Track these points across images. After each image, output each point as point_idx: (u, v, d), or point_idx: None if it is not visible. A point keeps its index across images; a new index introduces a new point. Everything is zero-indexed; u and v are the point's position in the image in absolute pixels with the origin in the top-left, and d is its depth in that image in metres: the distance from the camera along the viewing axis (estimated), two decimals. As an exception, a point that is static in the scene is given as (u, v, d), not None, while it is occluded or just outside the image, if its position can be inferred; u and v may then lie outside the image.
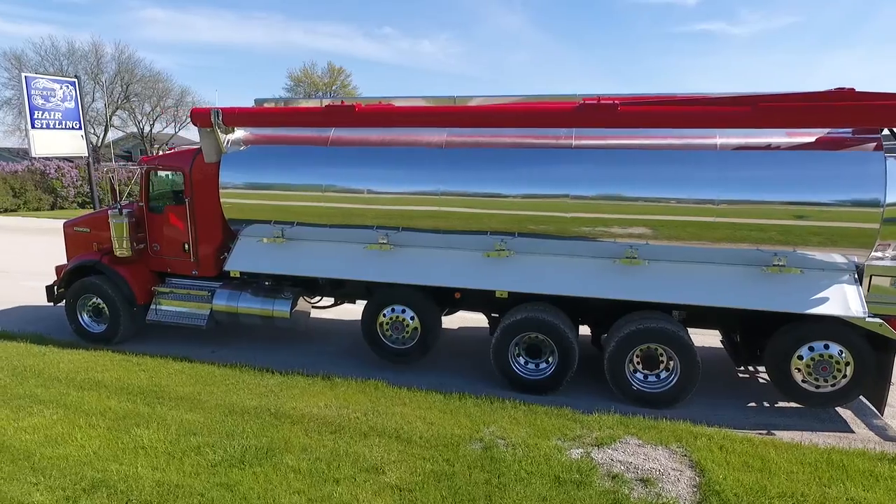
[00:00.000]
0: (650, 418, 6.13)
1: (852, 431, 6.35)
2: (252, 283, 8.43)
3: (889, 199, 5.84)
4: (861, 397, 6.61)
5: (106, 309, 8.71)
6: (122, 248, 8.48)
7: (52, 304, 9.32)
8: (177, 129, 52.75)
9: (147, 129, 49.61)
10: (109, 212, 8.45)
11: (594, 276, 6.93)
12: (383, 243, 7.49)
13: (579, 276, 6.98)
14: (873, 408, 6.51)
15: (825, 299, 6.24)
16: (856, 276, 6.32)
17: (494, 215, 7.03)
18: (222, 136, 7.72)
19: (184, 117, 52.02)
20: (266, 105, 8.22)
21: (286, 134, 7.95)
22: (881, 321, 6.08)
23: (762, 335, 6.88)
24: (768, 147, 6.28)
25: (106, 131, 47.33)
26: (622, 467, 5.14)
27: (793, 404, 6.86)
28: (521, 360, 7.27)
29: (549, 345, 7.09)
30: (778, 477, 4.96)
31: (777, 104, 5.91)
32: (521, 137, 7.03)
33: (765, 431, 6.24)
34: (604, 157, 6.66)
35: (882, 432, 6.34)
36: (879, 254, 6.24)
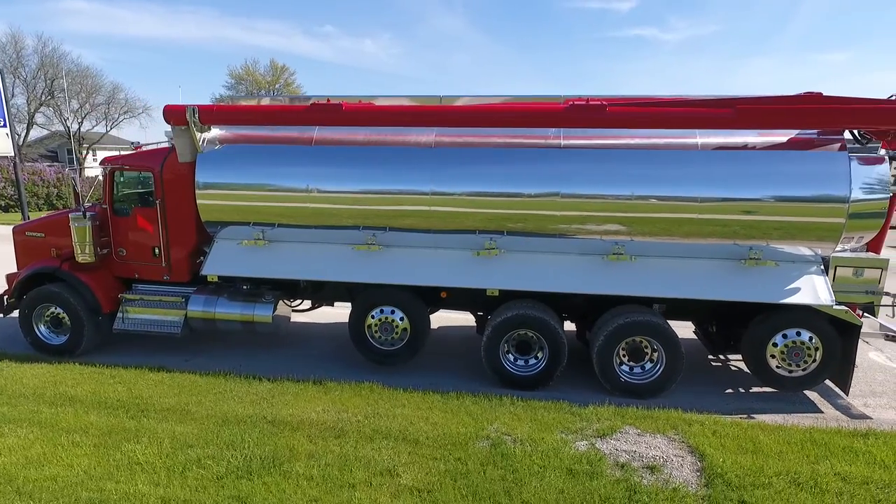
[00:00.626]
0: (643, 408, 6.37)
1: (821, 412, 6.81)
2: (228, 287, 8.11)
3: (853, 196, 6.31)
4: (827, 381, 7.10)
5: (67, 319, 8.15)
6: (85, 254, 7.95)
7: (1, 315, 8.64)
8: (108, 128, 49.90)
9: (75, 127, 46.55)
10: (71, 215, 7.90)
11: (583, 273, 7.11)
12: (371, 244, 7.39)
13: (569, 272, 7.15)
14: (838, 389, 7.01)
15: (797, 289, 6.67)
16: (822, 267, 6.79)
17: (485, 214, 7.09)
18: (198, 135, 7.38)
19: (117, 115, 49.34)
20: (239, 103, 7.92)
21: (264, 133, 7.70)
22: (846, 308, 6.57)
23: (737, 325, 7.28)
24: (745, 147, 6.66)
25: (28, 129, 44.17)
26: (627, 456, 5.32)
27: (766, 389, 7.29)
28: (511, 357, 7.36)
29: (539, 341, 7.22)
30: (770, 457, 5.28)
31: (755, 107, 6.27)
32: (510, 137, 7.12)
33: (745, 416, 6.61)
34: (592, 156, 6.85)
35: (847, 411, 6.84)
36: (842, 246, 6.72)
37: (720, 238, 6.77)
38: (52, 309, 8.21)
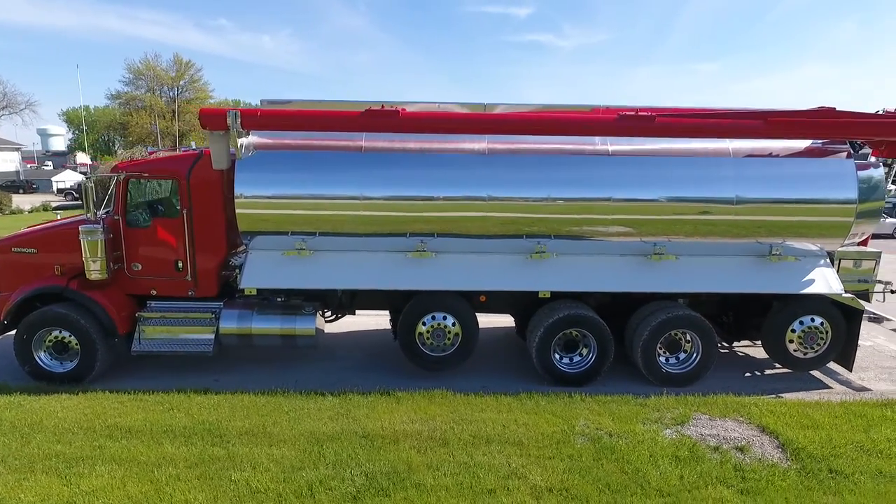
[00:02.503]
0: (699, 395, 6.93)
1: (830, 387, 7.74)
2: (258, 300, 7.73)
3: (860, 198, 7.24)
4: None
5: (75, 343, 7.37)
6: (97, 271, 7.23)
7: (-12, 342, 7.65)
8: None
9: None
10: (83, 227, 7.14)
11: (627, 273, 7.56)
12: (423, 250, 7.37)
13: (614, 272, 7.56)
14: (842, 368, 7.98)
15: (812, 281, 7.53)
16: (829, 260, 7.71)
17: (538, 219, 7.32)
18: (239, 141, 6.97)
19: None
20: (271, 106, 7.54)
21: (302, 140, 7.41)
22: (852, 295, 7.53)
23: (753, 314, 8.06)
24: (770, 154, 7.41)
25: None
26: (714, 440, 5.80)
27: (777, 371, 8.16)
28: (557, 356, 7.66)
29: (585, 338, 7.58)
30: (829, 430, 5.98)
31: (782, 119, 7.01)
32: (559, 145, 7.40)
33: (774, 395, 7.37)
34: (639, 162, 7.29)
35: (849, 385, 7.82)
36: (847, 242, 7.68)
37: (748, 237, 7.47)
38: (56, 333, 7.38)
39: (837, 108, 7.14)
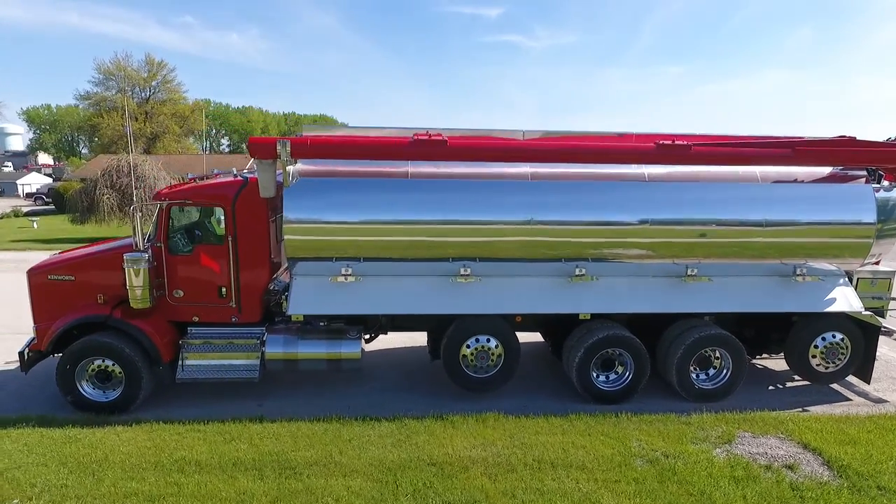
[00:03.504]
0: (736, 412, 7.26)
1: (850, 399, 8.19)
2: (302, 324, 7.78)
3: (879, 220, 7.68)
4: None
5: (118, 372, 7.31)
6: (142, 299, 7.19)
7: (24, 372, 7.53)
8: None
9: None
10: (128, 256, 7.09)
11: (661, 294, 7.85)
12: (466, 275, 7.53)
13: (649, 294, 7.85)
14: (859, 380, 8.42)
15: (834, 300, 7.96)
16: (847, 279, 8.15)
17: (579, 243, 7.54)
18: (288, 169, 7.03)
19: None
20: (308, 133, 7.58)
21: (345, 167, 7.49)
22: (871, 312, 7.98)
23: (774, 330, 8.45)
24: (795, 180, 7.80)
25: None
26: (763, 459, 6.12)
27: (798, 384, 8.58)
28: (595, 374, 7.91)
29: (624, 357, 7.86)
30: (865, 446, 6.36)
31: (810, 148, 7.41)
32: (599, 169, 7.64)
33: (801, 409, 7.76)
34: (675, 187, 7.58)
35: (867, 396, 8.28)
36: (865, 262, 8.12)
37: (774, 258, 7.84)
38: (99, 362, 7.31)
39: (857, 138, 7.58)
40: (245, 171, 8.52)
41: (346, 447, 6.19)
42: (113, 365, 7.31)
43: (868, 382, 8.30)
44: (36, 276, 7.65)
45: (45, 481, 5.43)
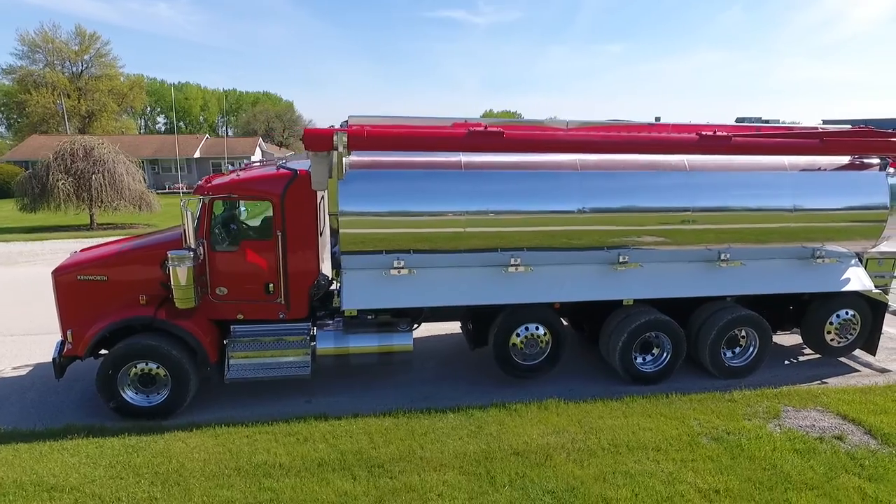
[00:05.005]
0: (770, 387, 7.75)
1: (858, 370, 8.88)
2: (348, 318, 7.66)
3: (892, 204, 8.27)
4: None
5: (163, 375, 7.00)
6: (187, 298, 6.88)
7: (58, 379, 7.10)
8: None
9: None
10: (172, 253, 6.73)
11: (697, 278, 8.20)
12: (517, 264, 7.61)
13: (685, 279, 8.18)
14: (865, 352, 9.12)
15: (849, 279, 8.55)
16: (858, 260, 8.77)
17: (625, 230, 7.74)
18: (344, 161, 6.83)
19: None
20: (356, 123, 7.39)
21: (394, 158, 7.36)
22: (880, 290, 8.63)
23: (789, 308, 9.02)
24: (818, 169, 8.26)
25: None
26: (815, 431, 6.59)
27: (809, 357, 9.22)
28: (636, 357, 8.22)
29: (661, 340, 8.20)
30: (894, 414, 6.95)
31: (836, 139, 7.87)
32: (638, 159, 7.82)
33: (819, 382, 8.36)
34: (713, 175, 7.88)
35: (871, 367, 9.00)
36: (876, 243, 8.74)
37: (797, 241, 8.32)
38: (142, 366, 6.97)
39: (874, 129, 8.10)
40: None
41: (424, 441, 6.21)
42: (157, 368, 6.98)
43: (874, 355, 9.02)
44: (63, 277, 7.17)
45: (129, 495, 5.19)
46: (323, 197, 7.77)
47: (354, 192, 7.01)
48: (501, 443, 6.21)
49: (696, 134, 7.62)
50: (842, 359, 9.19)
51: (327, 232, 7.88)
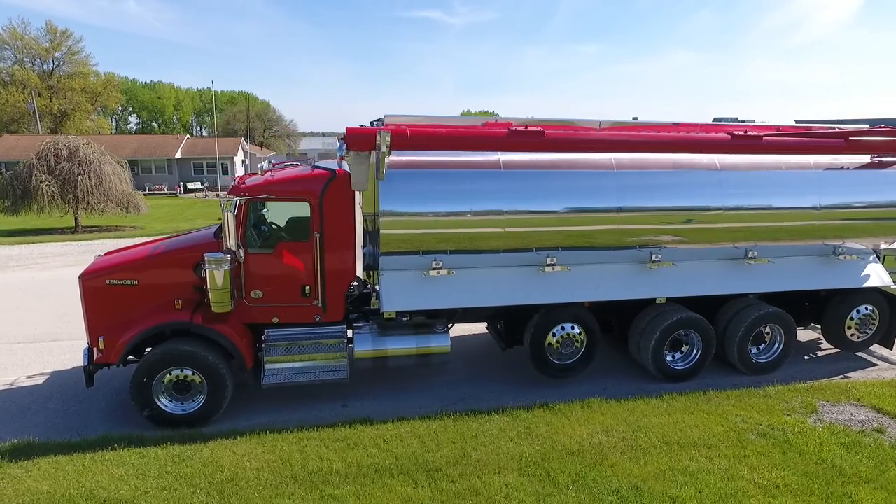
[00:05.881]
0: (801, 382, 7.89)
1: (877, 364, 9.10)
2: (384, 320, 7.56)
3: (909, 202, 8.50)
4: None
5: (201, 381, 6.81)
6: (224, 302, 6.70)
7: (89, 387, 6.86)
8: None
9: None
10: (209, 256, 6.54)
11: (725, 276, 8.30)
12: (553, 264, 7.60)
13: (714, 277, 8.27)
14: (882, 346, 9.35)
15: (868, 276, 8.75)
16: (876, 257, 8.98)
17: (659, 229, 7.78)
18: (385, 161, 6.72)
19: None
20: (391, 123, 7.29)
21: (431, 158, 7.27)
22: (896, 286, 8.87)
23: (810, 305, 9.19)
24: (842, 167, 8.44)
25: None
26: (855, 425, 6.71)
27: (828, 351, 9.42)
28: (667, 355, 8.28)
29: (690, 337, 8.27)
30: (925, 406, 7.13)
31: (859, 138, 8.04)
32: (672, 160, 7.88)
33: (842, 376, 8.55)
34: (744, 175, 7.98)
35: (888, 360, 9.23)
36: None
37: (820, 239, 8.48)
38: (177, 372, 6.76)
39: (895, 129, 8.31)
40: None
41: (477, 444, 6.15)
42: (193, 374, 6.78)
43: (891, 349, 9.26)
44: (92, 282, 6.91)
45: (188, 507, 5.02)
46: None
47: (396, 192, 6.91)
48: (554, 443, 6.18)
49: (729, 133, 7.71)
50: (859, 353, 9.40)
51: (360, 233, 7.76)
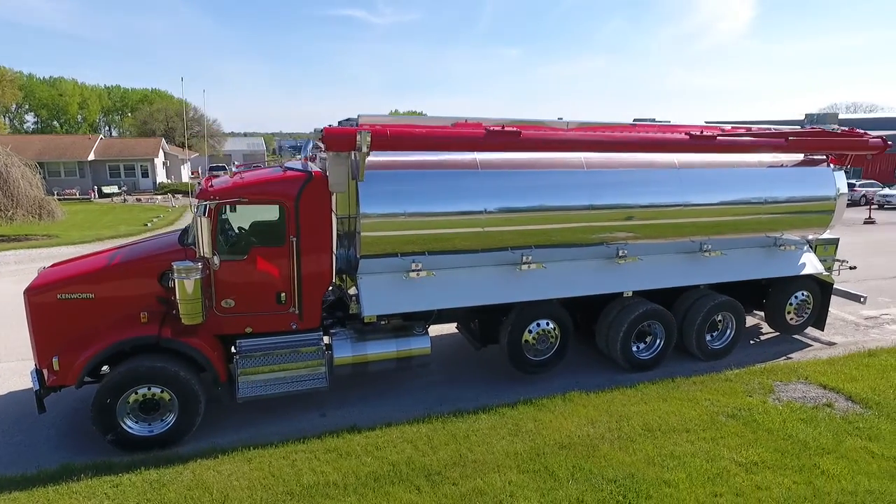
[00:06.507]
0: (754, 365, 8.47)
1: (811, 345, 9.93)
2: (362, 325, 7.41)
3: (837, 194, 9.32)
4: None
5: (170, 399, 6.37)
6: (195, 314, 6.31)
7: (41, 413, 6.24)
8: None
9: None
10: (177, 265, 6.12)
11: (684, 269, 8.77)
12: (529, 262, 7.73)
13: (675, 270, 8.71)
14: (815, 328, 10.21)
15: (805, 264, 9.55)
16: (809, 246, 9.81)
17: (627, 225, 8.10)
18: (364, 162, 6.57)
19: None
20: (364, 123, 7.13)
21: (404, 158, 7.19)
22: (828, 273, 9.72)
23: (751, 293, 9.90)
24: (781, 165, 9.14)
25: None
26: (809, 402, 7.29)
27: (770, 335, 10.19)
28: (634, 346, 8.64)
29: (654, 328, 8.69)
30: (863, 381, 7.85)
31: (798, 139, 8.76)
32: (636, 157, 8.22)
33: (785, 357, 9.27)
34: (703, 173, 8.45)
35: (820, 340, 10.10)
36: (824, 230, 9.81)
37: (764, 231, 9.15)
38: (144, 391, 6.28)
39: (826, 130, 9.12)
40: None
41: (470, 444, 6.14)
42: (162, 392, 6.33)
43: (822, 330, 10.13)
44: (40, 297, 6.30)
45: (181, 534, 4.67)
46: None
47: (376, 193, 6.77)
48: (545, 438, 6.28)
49: (688, 134, 8.15)
50: (796, 336, 10.23)
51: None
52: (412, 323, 7.65)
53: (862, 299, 10.25)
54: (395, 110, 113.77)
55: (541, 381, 8.17)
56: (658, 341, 8.75)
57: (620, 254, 8.27)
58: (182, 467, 5.70)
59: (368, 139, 6.38)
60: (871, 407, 7.13)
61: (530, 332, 7.99)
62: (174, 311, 6.42)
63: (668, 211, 8.19)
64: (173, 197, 37.30)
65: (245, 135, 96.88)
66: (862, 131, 9.55)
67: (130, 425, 6.31)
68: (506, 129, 7.10)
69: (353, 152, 6.54)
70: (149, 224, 26.38)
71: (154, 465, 5.77)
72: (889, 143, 9.80)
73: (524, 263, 7.73)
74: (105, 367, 6.29)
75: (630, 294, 8.47)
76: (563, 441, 6.23)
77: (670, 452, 6.02)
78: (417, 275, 7.24)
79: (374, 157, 6.97)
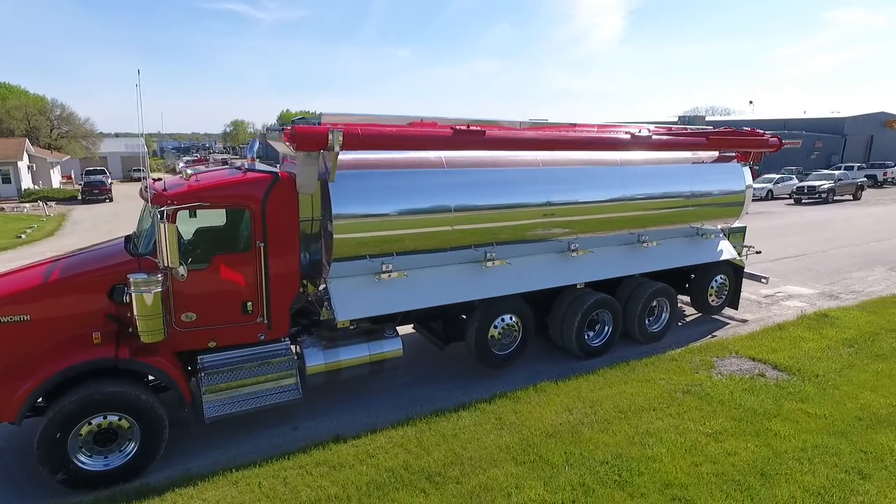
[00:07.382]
0: (691, 345, 9.26)
1: (728, 323, 11.05)
2: (330, 331, 7.17)
3: (746, 188, 10.47)
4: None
5: (130, 426, 5.75)
6: (155, 331, 5.75)
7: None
8: None
9: None
10: (134, 277, 5.53)
11: (624, 259, 9.39)
12: (493, 259, 7.89)
13: (618, 261, 9.31)
14: (730, 308, 11.37)
15: (723, 251, 10.60)
16: (724, 235, 10.91)
17: (579, 221, 8.49)
18: (336, 162, 6.34)
19: None
20: (327, 121, 6.90)
21: (374, 157, 7.06)
22: (740, 258, 10.88)
23: (678, 278, 10.85)
24: (701, 162, 10.07)
25: None
26: (746, 373, 8.11)
27: (694, 316, 11.20)
28: (586, 334, 9.11)
29: (603, 316, 9.23)
30: (783, 351, 8.89)
31: (718, 137, 9.71)
32: (577, 157, 8.66)
33: (710, 336, 10.25)
34: (644, 170, 9.09)
35: (734, 318, 11.27)
36: (736, 220, 10.94)
37: (689, 222, 10.06)
38: (98, 420, 5.62)
39: (737, 129, 10.19)
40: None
41: (461, 442, 6.16)
42: (120, 419, 5.69)
43: (736, 309, 11.31)
44: (-38, 322, 5.39)
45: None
46: None
47: (348, 193, 6.55)
48: (530, 429, 6.45)
49: (629, 133, 8.73)
50: (715, 316, 11.32)
51: None
52: (382, 326, 7.51)
53: (764, 280, 11.56)
54: (287, 111, 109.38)
55: (506, 373, 8.35)
56: (607, 328, 9.29)
57: (572, 247, 8.68)
58: (158, 500, 5.16)
59: (341, 138, 6.16)
60: (794, 373, 8.09)
61: (496, 327, 8.14)
62: (130, 329, 5.80)
63: (615, 205, 8.72)
64: (46, 204, 33.21)
65: (117, 135, 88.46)
66: (762, 131, 10.77)
67: (84, 460, 5.60)
68: (471, 128, 7.18)
69: (321, 152, 6.28)
70: (22, 235, 23.34)
71: (124, 501, 5.17)
72: (784, 142, 11.15)
73: (489, 260, 7.86)
74: (39, 400, 5.54)
75: (582, 285, 8.91)
76: (548, 430, 6.43)
77: (646, 430, 6.44)
78: (389, 276, 7.11)
79: (346, 157, 6.77)
